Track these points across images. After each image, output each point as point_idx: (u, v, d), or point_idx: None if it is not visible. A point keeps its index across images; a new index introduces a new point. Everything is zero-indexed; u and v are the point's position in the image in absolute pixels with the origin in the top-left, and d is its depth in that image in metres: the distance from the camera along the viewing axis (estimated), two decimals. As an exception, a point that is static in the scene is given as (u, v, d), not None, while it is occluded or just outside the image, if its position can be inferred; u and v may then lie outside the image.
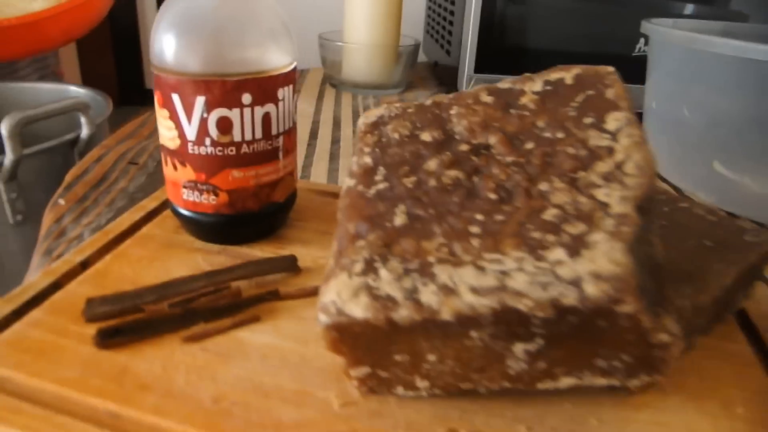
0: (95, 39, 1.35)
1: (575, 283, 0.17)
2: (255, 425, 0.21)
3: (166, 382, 0.23)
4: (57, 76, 1.00)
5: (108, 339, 0.25)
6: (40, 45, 0.83)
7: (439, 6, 0.90)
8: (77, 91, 0.83)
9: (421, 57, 1.01)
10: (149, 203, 0.38)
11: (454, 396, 0.23)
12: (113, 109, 0.77)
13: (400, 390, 0.23)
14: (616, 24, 0.71)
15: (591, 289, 0.17)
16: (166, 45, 0.30)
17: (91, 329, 0.25)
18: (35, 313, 0.27)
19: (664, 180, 0.53)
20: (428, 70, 0.99)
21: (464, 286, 0.19)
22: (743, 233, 0.31)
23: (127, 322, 0.26)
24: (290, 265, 0.31)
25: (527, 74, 0.26)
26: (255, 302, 0.28)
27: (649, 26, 0.54)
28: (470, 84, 0.73)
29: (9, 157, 0.57)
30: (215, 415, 0.22)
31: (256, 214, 0.34)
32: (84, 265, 0.31)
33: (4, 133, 0.56)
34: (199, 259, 0.33)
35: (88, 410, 0.22)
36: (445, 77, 0.86)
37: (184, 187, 0.33)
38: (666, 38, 0.52)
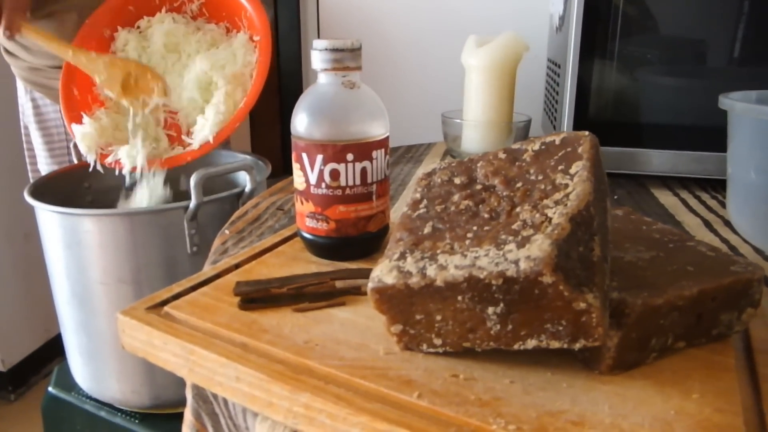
0: (265, 116, 1.63)
1: (516, 262, 0.28)
2: (327, 357, 0.33)
3: (278, 330, 0.36)
4: (227, 144, 1.23)
5: (246, 304, 0.39)
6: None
7: (551, 85, 1.01)
8: (244, 157, 1.03)
9: (539, 131, 1.12)
10: (285, 232, 0.53)
11: (461, 354, 0.33)
12: (279, 176, 0.95)
13: (424, 347, 0.34)
14: (703, 97, 0.76)
15: (524, 265, 0.27)
16: (299, 121, 0.45)
17: (237, 299, 0.39)
18: (204, 289, 0.42)
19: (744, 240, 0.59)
20: (542, 143, 1.09)
21: (452, 265, 0.30)
22: (731, 265, 0.37)
23: (259, 296, 0.39)
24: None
25: (533, 137, 0.36)
26: (344, 294, 0.41)
27: (721, 99, 0.60)
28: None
29: (193, 202, 0.77)
30: (304, 349, 0.34)
31: (355, 238, 0.47)
32: (237, 266, 0.46)
33: (192, 184, 0.76)
34: (313, 268, 0.46)
35: (229, 340, 0.35)
36: (553, 149, 0.95)
37: (307, 216, 0.47)
38: (732, 109, 0.58)
